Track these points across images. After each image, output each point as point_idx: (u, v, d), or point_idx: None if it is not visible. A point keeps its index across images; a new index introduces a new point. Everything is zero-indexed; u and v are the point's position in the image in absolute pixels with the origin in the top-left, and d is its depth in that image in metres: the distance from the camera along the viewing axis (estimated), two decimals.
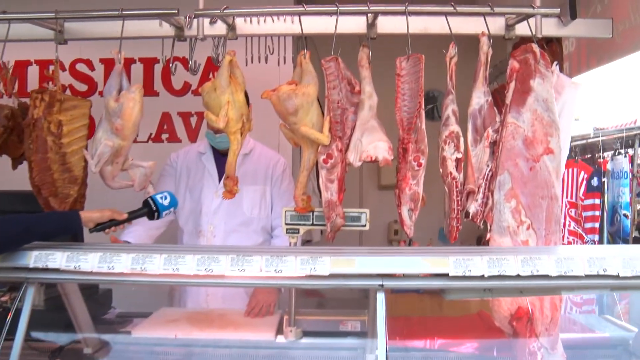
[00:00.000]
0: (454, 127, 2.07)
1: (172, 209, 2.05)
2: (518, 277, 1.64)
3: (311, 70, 2.11)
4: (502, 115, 2.08)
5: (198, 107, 2.26)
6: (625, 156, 3.85)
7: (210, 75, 3.67)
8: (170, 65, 2.40)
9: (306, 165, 2.15)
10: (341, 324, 2.36)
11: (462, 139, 2.07)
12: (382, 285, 1.68)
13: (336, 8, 2.11)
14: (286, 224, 2.24)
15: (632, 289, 1.82)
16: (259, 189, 2.87)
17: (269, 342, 2.20)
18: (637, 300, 2.40)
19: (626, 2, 2.51)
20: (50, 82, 2.31)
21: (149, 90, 3.92)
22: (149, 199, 2.00)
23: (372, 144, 2.05)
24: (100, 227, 1.91)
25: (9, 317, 1.73)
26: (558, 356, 1.92)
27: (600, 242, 3.88)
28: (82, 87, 3.98)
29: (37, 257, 1.73)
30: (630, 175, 3.79)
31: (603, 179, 3.92)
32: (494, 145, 2.07)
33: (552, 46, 2.90)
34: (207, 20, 2.31)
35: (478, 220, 2.05)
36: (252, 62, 2.49)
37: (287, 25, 2.33)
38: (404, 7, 2.10)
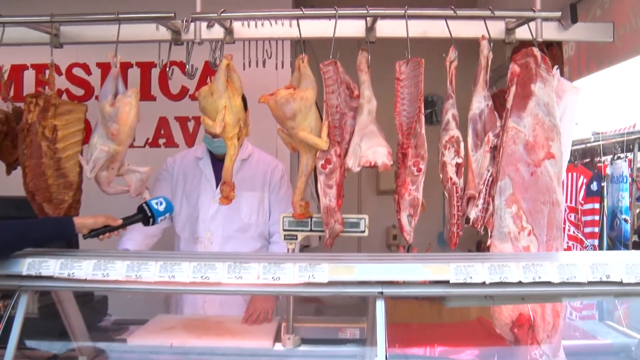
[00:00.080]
0: (454, 131, 2.06)
1: (167, 215, 2.03)
2: (520, 284, 1.62)
3: (309, 74, 2.09)
4: (502, 120, 2.07)
5: (195, 111, 2.24)
6: (624, 160, 3.83)
7: (208, 80, 3.65)
8: (167, 69, 2.38)
9: (304, 170, 2.13)
10: (340, 331, 2.33)
11: (462, 144, 2.06)
12: (381, 293, 1.66)
13: (335, 11, 2.10)
14: (284, 230, 2.22)
15: (635, 296, 1.80)
16: (257, 194, 2.84)
17: (266, 350, 2.18)
18: (639, 307, 2.38)
19: (626, 5, 2.50)
20: (47, 87, 2.29)
21: (146, 94, 3.91)
22: (143, 205, 1.98)
23: (371, 149, 2.03)
24: (95, 233, 1.89)
25: (1, 325, 1.70)
26: None
27: (600, 247, 3.86)
28: (79, 92, 3.97)
29: (31, 265, 1.72)
30: (629, 179, 3.78)
31: (602, 184, 3.90)
32: (495, 150, 2.06)
33: (552, 50, 2.89)
34: (204, 24, 2.29)
35: (479, 226, 2.04)
36: (249, 66, 2.47)
37: (285, 29, 2.31)
38: (404, 11, 2.08)
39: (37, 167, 2.20)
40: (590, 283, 1.62)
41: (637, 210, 3.93)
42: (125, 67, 3.84)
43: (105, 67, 3.85)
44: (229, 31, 2.29)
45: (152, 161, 2.46)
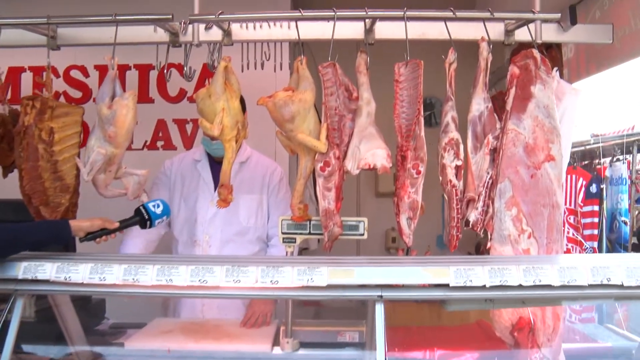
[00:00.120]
0: (454, 134, 2.05)
1: (165, 218, 2.01)
2: (520, 287, 1.62)
3: (308, 76, 2.08)
4: (502, 122, 2.06)
5: (194, 114, 2.24)
6: (623, 162, 3.83)
7: (206, 82, 3.64)
8: (165, 71, 2.37)
9: (303, 173, 2.12)
10: (339, 335, 2.32)
11: (462, 146, 2.04)
12: (381, 296, 1.65)
13: (333, 13, 2.09)
14: (283, 233, 2.21)
15: (636, 299, 1.79)
16: (255, 197, 2.83)
17: (265, 354, 2.17)
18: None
19: (626, 7, 2.49)
20: (44, 89, 2.27)
21: (144, 97, 3.90)
22: (140, 208, 1.97)
23: (370, 151, 2.02)
24: (91, 236, 1.88)
25: None
26: None
27: (600, 249, 3.86)
28: (77, 94, 3.96)
29: (27, 268, 1.70)
30: (628, 181, 3.77)
31: (602, 186, 3.90)
32: (495, 152, 2.05)
33: (551, 52, 2.88)
34: (202, 26, 2.28)
35: (478, 229, 2.03)
36: (248, 68, 2.47)
37: (284, 31, 2.30)
38: (403, 12, 2.07)
39: (33, 170, 2.19)
40: (591, 286, 1.61)
41: (636, 213, 3.93)
42: (123, 69, 3.83)
43: (103, 70, 3.83)
44: (227, 33, 2.28)
45: (150, 164, 2.44)
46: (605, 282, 1.61)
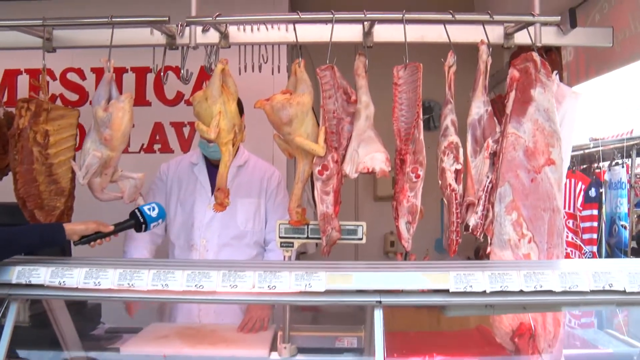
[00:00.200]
0: (453, 137, 2.03)
1: (160, 221, 2.00)
2: (521, 292, 1.61)
3: (306, 79, 2.07)
4: (502, 126, 2.04)
5: (191, 117, 2.22)
6: (622, 166, 3.82)
7: (204, 85, 3.60)
8: (162, 74, 2.35)
9: (301, 176, 2.11)
10: (337, 340, 2.30)
11: (461, 150, 2.03)
12: (379, 302, 1.64)
13: (332, 16, 2.07)
14: (280, 238, 2.19)
15: (638, 305, 1.77)
16: (253, 201, 2.81)
17: (262, 359, 2.14)
18: None
19: (626, 11, 2.48)
20: (40, 92, 2.26)
21: (141, 99, 3.89)
22: (136, 211, 1.96)
23: (368, 155, 2.01)
24: (86, 239, 1.86)
25: None
26: None
27: (599, 253, 3.84)
28: (73, 97, 3.94)
29: (20, 273, 1.69)
30: (628, 185, 3.76)
31: (601, 190, 3.88)
32: (494, 156, 2.04)
33: (551, 55, 2.87)
34: (199, 28, 2.26)
35: (478, 233, 2.01)
36: (245, 71, 2.45)
37: (282, 34, 2.29)
38: (401, 15, 2.06)
39: (28, 173, 2.17)
40: (592, 292, 1.60)
41: (636, 217, 3.92)
42: (120, 72, 3.82)
43: (100, 72, 3.75)
44: (224, 35, 2.26)
45: (147, 167, 2.43)
46: (607, 287, 1.60)
